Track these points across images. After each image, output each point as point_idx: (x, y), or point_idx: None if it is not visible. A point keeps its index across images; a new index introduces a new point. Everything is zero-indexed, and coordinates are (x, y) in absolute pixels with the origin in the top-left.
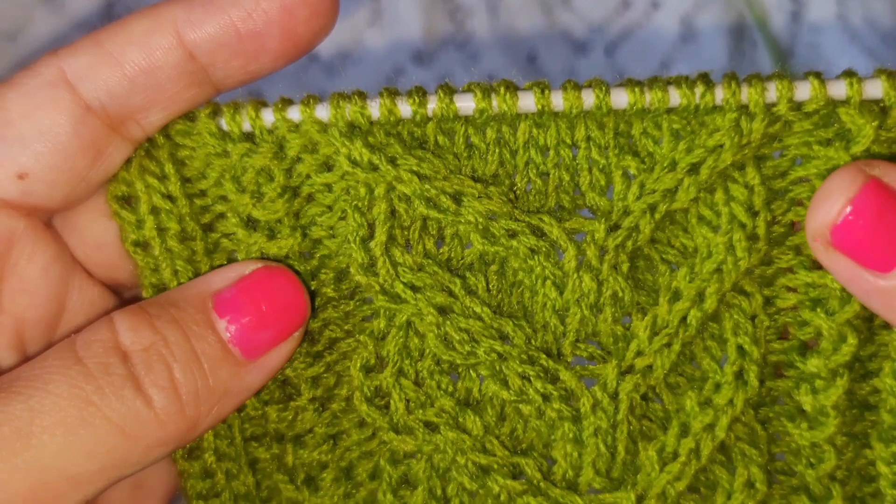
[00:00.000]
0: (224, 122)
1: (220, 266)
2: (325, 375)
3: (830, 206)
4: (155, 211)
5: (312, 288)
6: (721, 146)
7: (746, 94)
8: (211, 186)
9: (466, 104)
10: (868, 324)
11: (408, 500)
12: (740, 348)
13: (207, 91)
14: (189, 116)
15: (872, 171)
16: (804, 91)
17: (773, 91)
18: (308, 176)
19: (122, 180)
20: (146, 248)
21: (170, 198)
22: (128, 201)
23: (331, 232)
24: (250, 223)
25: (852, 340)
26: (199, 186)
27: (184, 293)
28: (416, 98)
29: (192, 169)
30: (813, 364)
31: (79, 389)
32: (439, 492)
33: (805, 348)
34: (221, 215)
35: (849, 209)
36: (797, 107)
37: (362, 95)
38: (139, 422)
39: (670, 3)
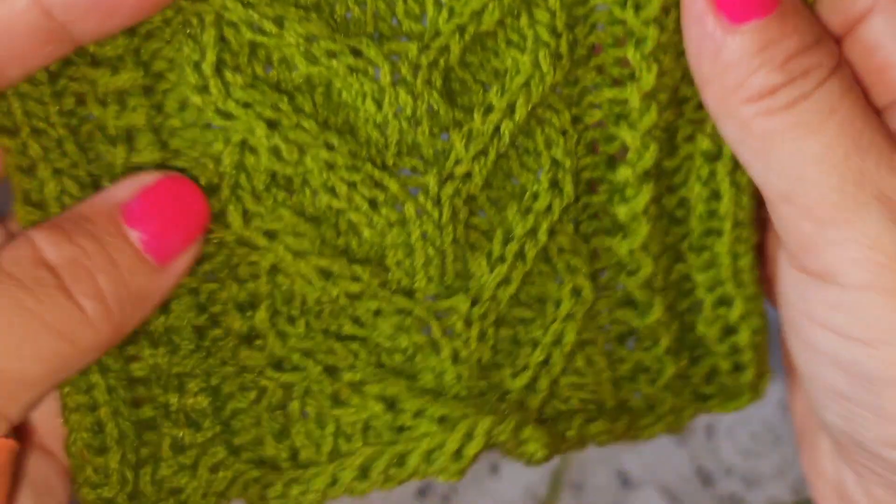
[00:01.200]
0: None
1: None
2: None
3: None
4: None
5: (157, 122)
6: None
7: None
8: None
9: None
10: (670, 137)
11: (254, 319)
12: (553, 159)
13: (67, 46)
14: None
15: None
16: None
17: None
18: None
19: None
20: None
21: None
22: None
23: (171, 64)
24: (94, 61)
25: (654, 147)
26: None
27: (92, 208)
28: None
29: None
30: (622, 174)
31: (17, 300)
32: (283, 308)
33: (613, 161)
34: (69, 62)
35: None
36: None
37: None
38: (76, 328)
39: None
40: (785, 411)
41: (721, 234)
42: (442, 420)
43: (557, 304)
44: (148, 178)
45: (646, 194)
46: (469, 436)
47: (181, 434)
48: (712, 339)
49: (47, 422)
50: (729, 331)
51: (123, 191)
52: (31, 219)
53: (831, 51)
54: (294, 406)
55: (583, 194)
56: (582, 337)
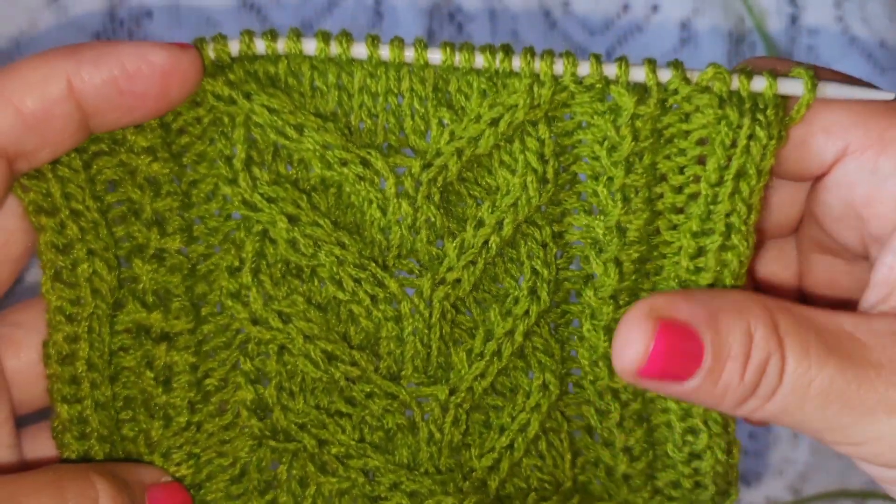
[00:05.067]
0: None
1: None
2: (198, 284)
3: (632, 353)
4: None
5: (185, 215)
6: (516, 105)
7: (539, 65)
8: None
9: (310, 47)
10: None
11: (262, 393)
12: (533, 269)
13: (84, 135)
14: None
15: (659, 313)
16: (586, 68)
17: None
18: (179, 113)
19: None
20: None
21: None
22: None
23: (200, 158)
24: (133, 150)
25: (614, 275)
26: None
27: (133, 474)
28: (268, 36)
29: None
30: (588, 295)
31: None
32: (287, 384)
33: (590, 279)
34: (100, 152)
35: (648, 352)
36: (579, 80)
37: (223, 37)
38: None
39: (669, 6)
40: None
41: None
42: (413, 495)
43: (527, 395)
44: (167, 478)
45: (607, 315)
46: None
47: None
48: (679, 460)
49: None
50: (693, 456)
51: (150, 473)
52: (61, 296)
53: (767, 321)
54: (282, 469)
55: (562, 303)
56: (546, 426)
